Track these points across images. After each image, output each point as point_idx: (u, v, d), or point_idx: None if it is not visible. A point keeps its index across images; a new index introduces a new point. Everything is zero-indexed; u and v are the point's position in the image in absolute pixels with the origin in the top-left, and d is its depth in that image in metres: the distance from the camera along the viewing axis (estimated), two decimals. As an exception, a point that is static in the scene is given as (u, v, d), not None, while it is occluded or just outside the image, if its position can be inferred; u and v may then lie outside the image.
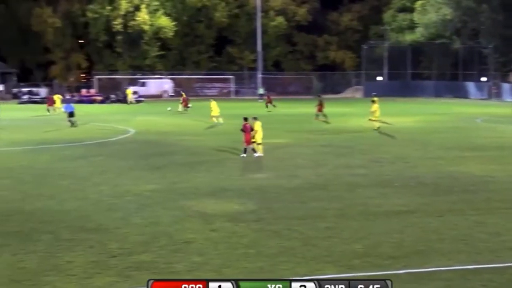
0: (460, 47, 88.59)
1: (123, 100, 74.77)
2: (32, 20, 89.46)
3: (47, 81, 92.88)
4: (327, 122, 45.04)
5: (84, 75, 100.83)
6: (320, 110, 47.15)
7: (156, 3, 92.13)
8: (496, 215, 16.97)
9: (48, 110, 56.22)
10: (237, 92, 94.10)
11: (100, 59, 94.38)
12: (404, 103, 73.34)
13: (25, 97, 78.56)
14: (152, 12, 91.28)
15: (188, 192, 20.12)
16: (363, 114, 42.38)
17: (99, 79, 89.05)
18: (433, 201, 18.76)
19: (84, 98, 76.92)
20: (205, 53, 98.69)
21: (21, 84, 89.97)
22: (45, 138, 36.14)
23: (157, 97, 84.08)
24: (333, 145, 32.51)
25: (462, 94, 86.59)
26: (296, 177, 22.92)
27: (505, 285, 11.82)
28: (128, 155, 29.26)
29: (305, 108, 57.05)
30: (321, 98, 49.45)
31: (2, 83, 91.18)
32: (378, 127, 39.31)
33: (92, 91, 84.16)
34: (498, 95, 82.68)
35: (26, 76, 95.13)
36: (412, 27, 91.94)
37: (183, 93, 60.76)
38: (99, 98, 78.00)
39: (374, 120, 40.15)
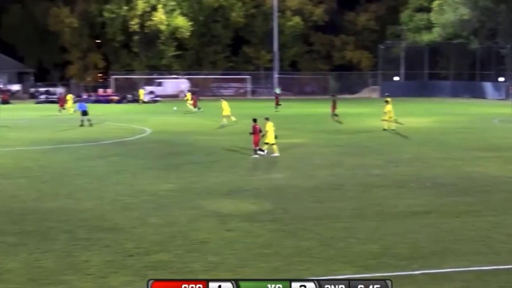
0: (477, 47, 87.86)
1: (138, 100, 75.14)
2: (49, 20, 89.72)
3: (64, 81, 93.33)
4: (339, 122, 44.96)
5: (101, 75, 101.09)
6: (333, 110, 47.11)
7: (173, 3, 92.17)
8: (514, 216, 16.84)
9: (60, 111, 56.39)
10: (253, 92, 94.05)
11: (117, 59, 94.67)
12: (421, 103, 72.97)
13: (42, 97, 78.94)
14: (169, 12, 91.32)
15: (204, 192, 20.15)
16: (379, 114, 42.26)
17: (116, 79, 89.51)
18: (450, 201, 18.66)
19: (101, 98, 77.16)
20: (221, 53, 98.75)
21: (38, 84, 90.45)
22: (63, 138, 36.31)
23: (173, 97, 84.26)
24: (349, 145, 32.45)
25: (479, 94, 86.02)
26: (312, 177, 22.89)
27: (523, 286, 11.72)
28: (145, 154, 29.38)
29: (321, 108, 56.99)
30: (335, 98, 49.30)
31: (20, 83, 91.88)
32: (393, 129, 39.17)
33: (109, 91, 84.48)
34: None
35: (43, 76, 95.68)
36: (429, 27, 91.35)
37: (188, 93, 60.78)
38: (116, 98, 78.29)
39: (386, 121, 40.08)
